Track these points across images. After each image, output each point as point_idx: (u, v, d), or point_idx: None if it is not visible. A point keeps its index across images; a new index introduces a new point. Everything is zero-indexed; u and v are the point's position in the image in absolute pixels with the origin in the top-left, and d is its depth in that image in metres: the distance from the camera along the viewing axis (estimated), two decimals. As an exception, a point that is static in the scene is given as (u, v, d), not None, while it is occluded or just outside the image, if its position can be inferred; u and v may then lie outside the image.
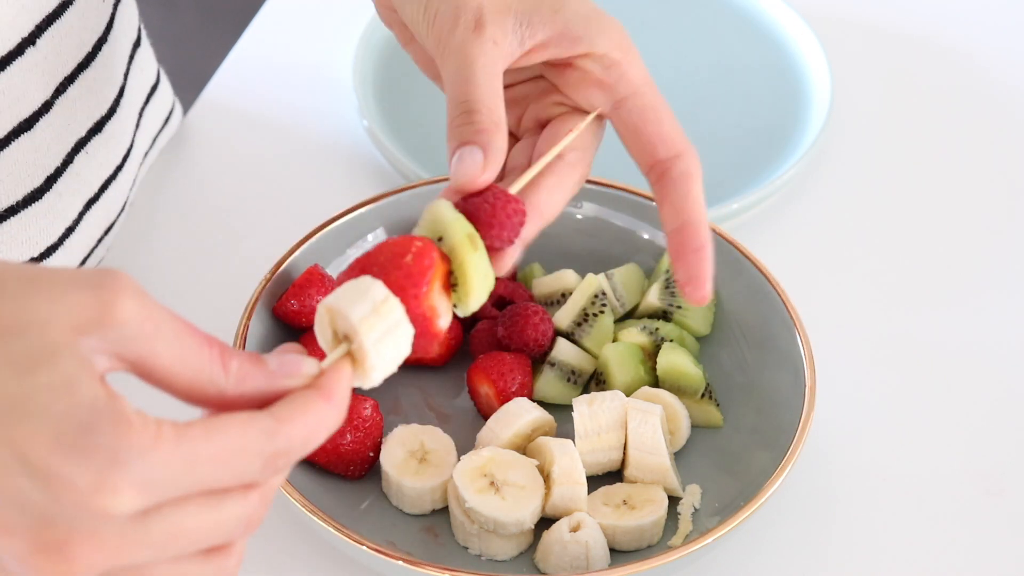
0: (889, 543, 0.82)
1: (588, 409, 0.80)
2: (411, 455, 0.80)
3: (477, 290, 0.64)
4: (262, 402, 0.54)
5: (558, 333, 0.87)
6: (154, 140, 0.97)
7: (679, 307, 0.87)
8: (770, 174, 0.99)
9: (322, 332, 0.58)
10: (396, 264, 0.60)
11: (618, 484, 0.81)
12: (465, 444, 0.82)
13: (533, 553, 0.79)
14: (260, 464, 0.52)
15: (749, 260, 0.87)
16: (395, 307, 0.58)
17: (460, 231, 0.64)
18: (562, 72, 0.73)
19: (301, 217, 0.94)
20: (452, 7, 0.70)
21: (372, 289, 0.58)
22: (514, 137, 0.76)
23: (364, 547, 0.75)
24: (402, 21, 0.75)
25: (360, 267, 0.60)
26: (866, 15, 1.15)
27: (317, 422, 0.54)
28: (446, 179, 0.91)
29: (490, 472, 0.78)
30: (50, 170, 0.81)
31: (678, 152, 0.72)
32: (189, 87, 1.15)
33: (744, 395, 0.85)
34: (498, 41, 0.69)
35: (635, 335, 0.86)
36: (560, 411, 0.85)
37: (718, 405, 0.84)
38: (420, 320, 0.60)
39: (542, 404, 0.84)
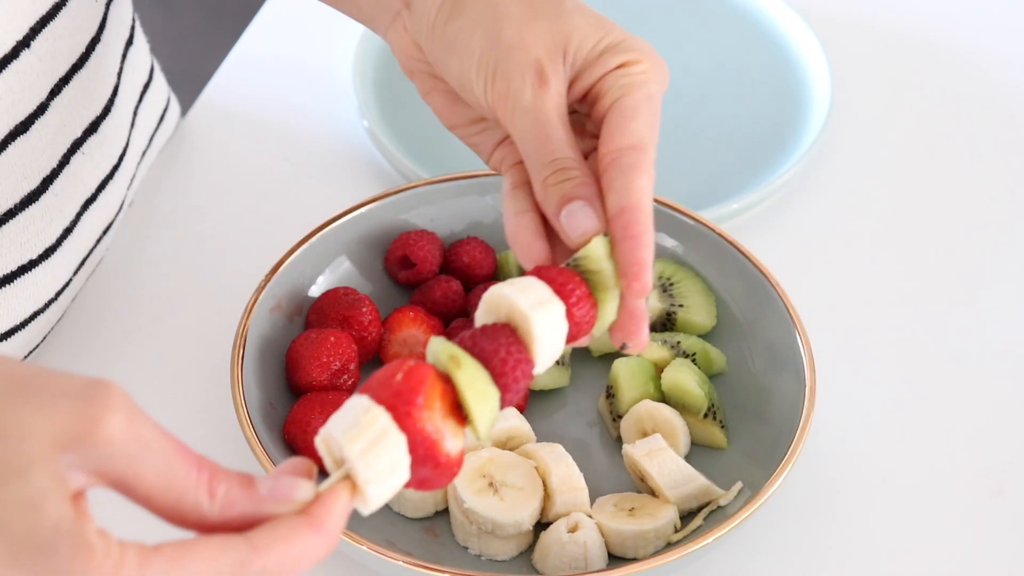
0: (889, 543, 0.82)
1: (654, 461, 0.80)
2: None
3: (474, 408, 0.59)
4: (247, 526, 0.52)
5: None
6: (151, 138, 0.97)
7: (681, 305, 0.87)
8: (770, 174, 0.99)
9: (326, 462, 0.56)
10: (387, 384, 0.57)
11: (633, 493, 0.81)
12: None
13: (532, 553, 0.79)
14: None
15: (749, 260, 0.87)
16: (378, 416, 0.55)
17: (443, 353, 0.60)
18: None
19: (301, 217, 0.94)
20: (510, 64, 0.68)
21: (355, 403, 0.56)
22: None
23: (364, 547, 0.75)
24: (427, 72, 0.74)
25: (355, 391, 0.58)
26: (866, 16, 1.15)
27: (300, 552, 0.51)
28: (445, 179, 0.91)
29: (489, 473, 0.78)
30: (46, 172, 0.81)
31: (632, 144, 0.68)
32: (189, 87, 1.15)
33: (743, 394, 0.85)
34: (560, 90, 0.69)
35: (656, 350, 0.85)
36: (553, 396, 0.86)
37: (723, 427, 0.84)
38: (420, 442, 0.56)
39: (539, 392, 0.85)
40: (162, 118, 0.99)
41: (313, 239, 0.88)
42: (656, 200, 0.90)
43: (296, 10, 1.14)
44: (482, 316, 0.64)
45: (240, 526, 0.52)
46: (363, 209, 0.90)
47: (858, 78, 1.09)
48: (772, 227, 0.99)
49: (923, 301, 0.95)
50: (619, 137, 0.68)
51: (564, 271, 0.65)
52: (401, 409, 0.56)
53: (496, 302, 0.64)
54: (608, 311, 0.66)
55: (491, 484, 0.78)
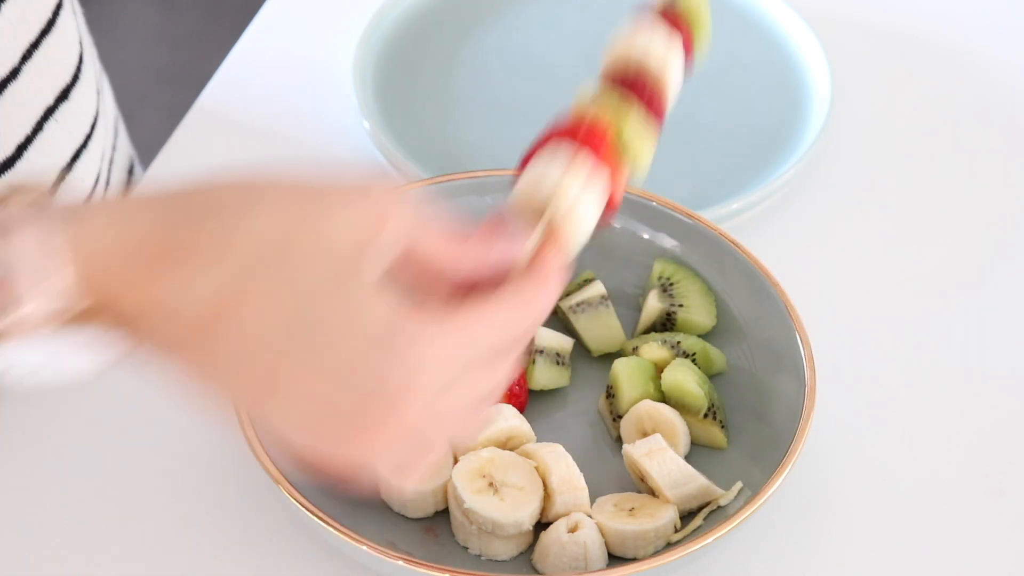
0: (889, 543, 0.82)
1: (654, 461, 0.80)
2: None
3: (640, 152, 0.68)
4: (495, 279, 0.63)
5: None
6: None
7: (681, 305, 0.87)
8: (770, 174, 0.99)
9: (523, 211, 0.65)
10: (577, 131, 0.66)
11: (632, 493, 0.81)
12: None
13: (531, 553, 0.79)
14: (513, 342, 0.62)
15: (749, 260, 0.87)
16: (585, 162, 0.65)
17: (607, 105, 0.69)
18: None
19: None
20: None
21: (560, 152, 0.65)
22: None
23: (364, 547, 0.75)
24: None
25: (543, 139, 0.67)
26: (866, 15, 1.15)
27: (541, 307, 0.63)
28: (446, 179, 0.91)
29: (489, 473, 0.78)
30: (20, 139, 0.81)
31: None
32: (189, 87, 1.15)
33: (743, 394, 0.85)
34: None
35: (655, 350, 0.85)
36: (553, 396, 0.86)
37: (723, 427, 0.83)
38: (608, 184, 0.67)
39: (539, 393, 0.85)
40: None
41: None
42: (656, 200, 0.90)
43: (296, 10, 1.14)
44: (609, 65, 0.73)
45: (486, 281, 0.63)
46: (363, 209, 0.90)
47: (858, 78, 1.09)
48: (772, 227, 0.99)
49: (923, 301, 0.95)
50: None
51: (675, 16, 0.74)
52: (594, 152, 0.66)
53: (625, 54, 0.72)
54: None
55: (491, 484, 0.78)
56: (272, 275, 0.56)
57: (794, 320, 0.84)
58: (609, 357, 0.87)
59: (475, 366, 0.60)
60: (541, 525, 0.79)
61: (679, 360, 0.84)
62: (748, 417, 0.84)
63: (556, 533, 0.77)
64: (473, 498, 0.77)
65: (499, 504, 0.77)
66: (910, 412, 0.89)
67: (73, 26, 0.87)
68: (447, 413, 0.60)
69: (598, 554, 0.77)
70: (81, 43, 0.88)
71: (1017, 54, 1.12)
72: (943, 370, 0.91)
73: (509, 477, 0.78)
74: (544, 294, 0.63)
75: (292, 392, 0.57)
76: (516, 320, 0.61)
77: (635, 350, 0.86)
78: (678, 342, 0.85)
